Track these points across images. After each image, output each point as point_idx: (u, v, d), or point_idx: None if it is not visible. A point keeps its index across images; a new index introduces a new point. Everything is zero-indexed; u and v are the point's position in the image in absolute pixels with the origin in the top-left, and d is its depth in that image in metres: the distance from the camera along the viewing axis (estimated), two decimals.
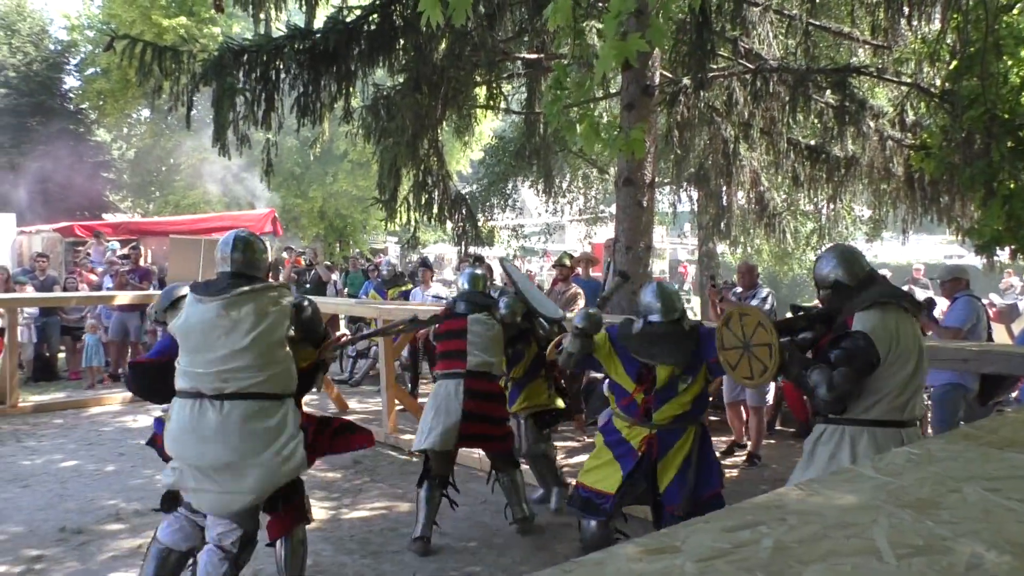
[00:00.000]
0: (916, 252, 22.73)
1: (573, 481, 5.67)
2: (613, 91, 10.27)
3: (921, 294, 8.29)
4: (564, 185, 16.73)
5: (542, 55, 9.60)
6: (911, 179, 9.50)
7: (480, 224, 11.86)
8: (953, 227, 9.79)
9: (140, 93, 18.36)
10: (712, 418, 7.15)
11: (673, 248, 29.79)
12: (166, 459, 3.55)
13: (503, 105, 11.38)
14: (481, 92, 10.69)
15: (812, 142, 10.27)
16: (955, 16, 7.10)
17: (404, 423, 7.63)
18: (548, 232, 21.54)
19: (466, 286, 5.29)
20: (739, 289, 7.29)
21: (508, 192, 16.07)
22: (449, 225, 10.41)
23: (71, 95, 26.54)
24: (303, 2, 8.56)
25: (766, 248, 14.55)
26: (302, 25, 8.61)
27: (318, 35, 8.15)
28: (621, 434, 3.89)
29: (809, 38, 9.09)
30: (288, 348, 3.52)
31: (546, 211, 18.36)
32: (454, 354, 4.97)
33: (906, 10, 8.14)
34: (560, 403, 5.65)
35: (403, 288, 9.66)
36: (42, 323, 10.39)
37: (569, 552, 4.63)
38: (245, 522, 3.41)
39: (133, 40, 8.26)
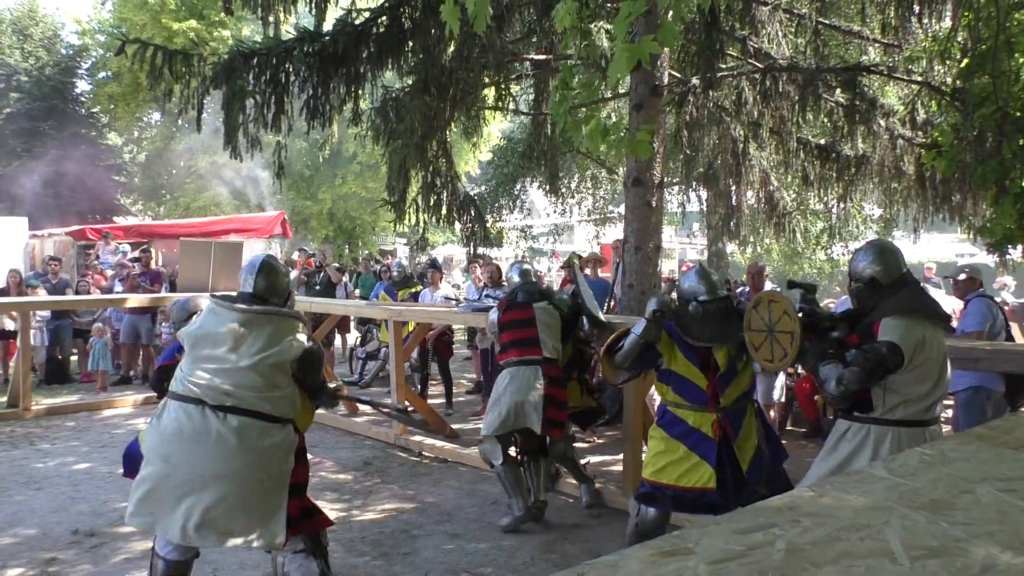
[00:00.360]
0: (928, 251, 22.64)
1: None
2: (622, 91, 10.26)
3: (933, 293, 8.23)
4: (572, 185, 16.73)
5: (550, 56, 9.60)
6: (922, 178, 9.44)
7: (489, 225, 11.87)
8: (965, 226, 9.72)
9: (151, 97, 18.45)
10: None
11: (682, 248, 29.70)
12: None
13: (511, 106, 11.38)
14: (489, 93, 10.69)
15: (822, 141, 10.22)
16: (966, 14, 7.05)
17: None
18: (557, 233, 21.54)
19: (518, 279, 5.46)
20: (747, 289, 7.27)
21: (517, 193, 16.07)
22: (458, 226, 10.41)
23: (83, 99, 26.72)
24: (312, 5, 8.57)
25: (776, 248, 14.50)
26: (311, 28, 8.62)
27: (327, 38, 8.17)
28: (687, 423, 3.94)
29: (819, 37, 9.05)
30: (292, 380, 3.47)
31: (555, 212, 18.35)
32: (527, 342, 5.15)
33: (916, 8, 8.09)
34: (594, 403, 5.80)
35: (413, 289, 9.67)
36: (54, 326, 10.45)
37: (579, 553, 4.63)
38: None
39: (144, 44, 8.29)
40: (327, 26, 8.81)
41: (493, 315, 5.46)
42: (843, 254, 14.01)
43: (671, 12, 3.65)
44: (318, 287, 11.73)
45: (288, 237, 18.69)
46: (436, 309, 8.03)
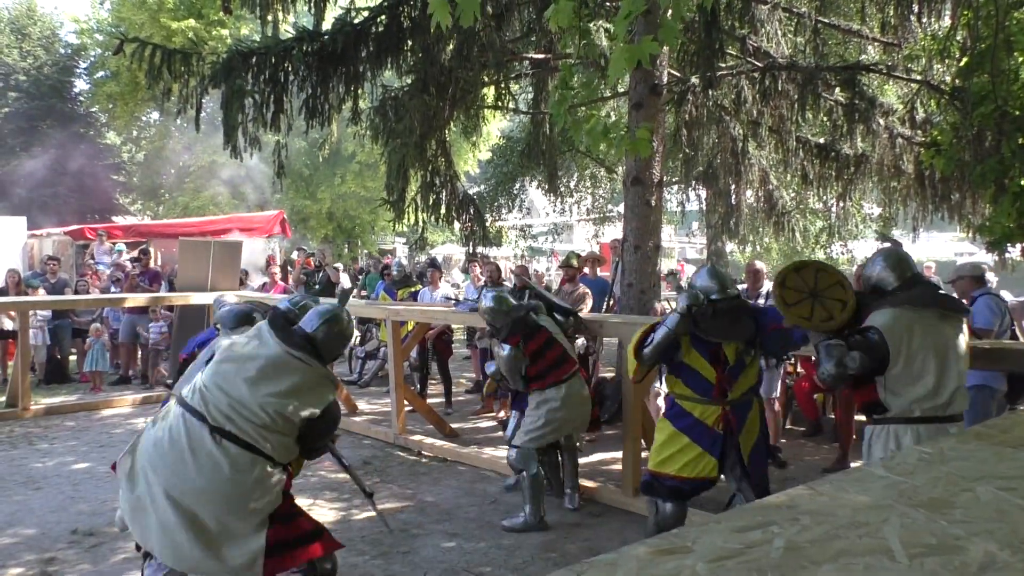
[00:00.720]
0: (927, 250, 22.68)
1: (587, 482, 5.70)
2: (621, 90, 10.26)
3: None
4: (572, 185, 16.72)
5: (549, 55, 9.59)
6: (921, 176, 9.45)
7: (488, 224, 11.86)
8: (964, 224, 9.73)
9: (149, 96, 18.44)
10: None
11: (681, 247, 29.71)
12: None
13: (511, 105, 11.37)
14: (489, 92, 10.69)
15: (821, 140, 10.23)
16: (965, 13, 7.05)
17: (413, 424, 7.65)
18: (556, 232, 21.54)
19: (496, 305, 5.30)
20: (746, 287, 7.27)
21: (516, 192, 16.05)
22: (457, 226, 10.41)
23: (81, 98, 26.74)
24: (311, 4, 8.56)
25: (775, 247, 14.50)
26: (310, 27, 8.62)
27: (326, 37, 8.16)
28: (694, 415, 4.08)
29: (818, 36, 9.05)
30: (295, 433, 3.34)
31: (554, 211, 18.34)
32: (560, 360, 5.20)
33: (916, 7, 8.10)
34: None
35: (413, 289, 9.67)
36: (53, 326, 10.45)
37: (579, 552, 4.63)
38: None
39: (143, 43, 8.27)
40: (326, 25, 8.80)
41: (505, 351, 5.19)
42: (842, 253, 14.02)
43: (671, 12, 3.65)
44: (317, 286, 11.71)
45: (287, 236, 18.69)
46: (435, 308, 8.03)
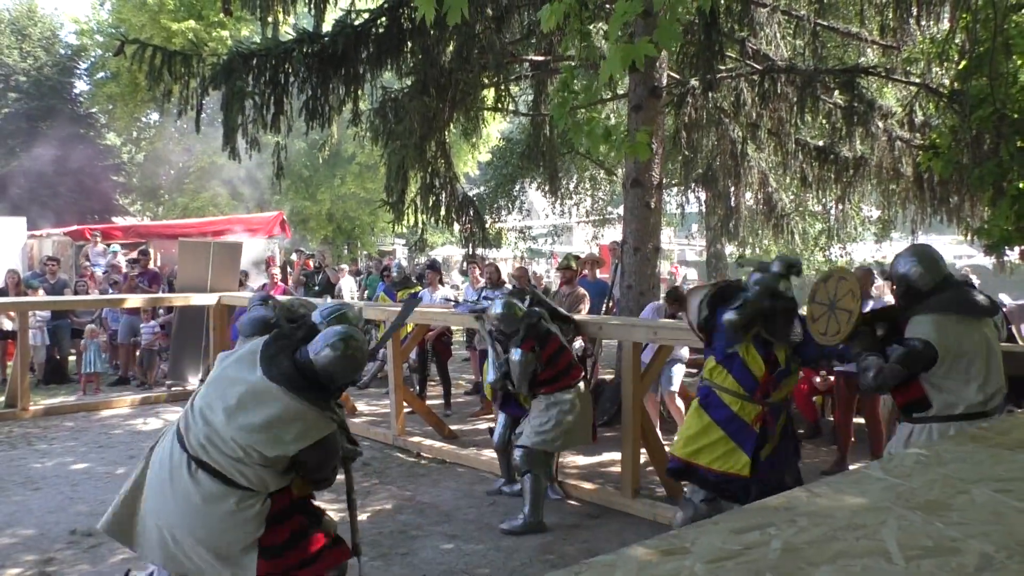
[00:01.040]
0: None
1: (585, 484, 5.70)
2: (621, 92, 10.27)
3: None
4: (571, 186, 16.72)
5: (549, 57, 9.60)
6: (920, 179, 9.46)
7: (488, 226, 11.86)
8: (962, 227, 9.74)
9: (149, 97, 18.40)
10: None
11: (681, 249, 29.71)
12: None
13: (510, 107, 11.38)
14: (489, 94, 10.69)
15: (820, 143, 10.24)
16: (964, 16, 7.07)
17: (412, 425, 7.65)
18: (556, 234, 21.53)
19: (505, 311, 5.29)
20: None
21: (515, 194, 16.05)
22: (457, 227, 10.41)
23: (81, 99, 26.74)
24: (311, 6, 8.57)
25: (774, 249, 14.47)
26: (310, 29, 8.63)
27: (326, 39, 8.17)
28: (732, 410, 4.05)
29: (817, 38, 9.06)
30: (282, 465, 3.05)
31: (553, 213, 18.34)
32: (570, 365, 5.35)
33: (915, 10, 8.10)
34: None
35: (412, 290, 9.67)
36: (53, 326, 10.45)
37: (577, 554, 4.63)
38: None
39: (143, 45, 8.28)
40: (326, 27, 8.81)
41: (516, 356, 5.16)
42: (841, 255, 14.03)
43: (668, 14, 3.66)
44: (317, 287, 11.72)
45: (287, 237, 18.68)
46: (434, 310, 8.03)
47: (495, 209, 15.63)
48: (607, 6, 7.89)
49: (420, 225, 10.21)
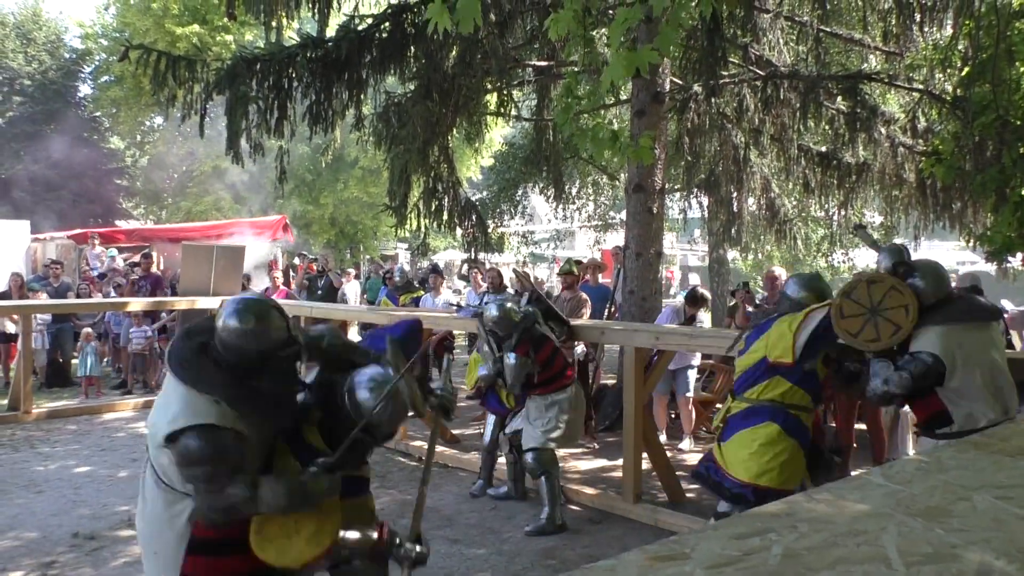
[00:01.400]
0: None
1: (587, 489, 5.70)
2: (624, 98, 10.28)
3: None
4: (574, 191, 16.72)
5: (552, 62, 9.62)
6: (923, 185, 9.46)
7: (490, 230, 11.87)
8: (965, 233, 9.74)
9: (153, 101, 18.38)
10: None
11: (683, 255, 29.67)
12: None
13: (513, 112, 11.39)
14: (491, 99, 10.71)
15: (823, 148, 10.25)
16: (967, 22, 7.08)
17: (414, 429, 7.64)
18: (558, 238, 21.53)
19: (510, 316, 5.39)
20: (766, 294, 7.33)
21: (518, 198, 16.05)
22: (459, 231, 10.42)
23: (85, 103, 26.81)
24: (315, 11, 8.60)
25: (776, 255, 14.49)
26: (314, 34, 8.65)
27: (330, 43, 8.20)
28: (807, 426, 3.92)
29: (820, 44, 9.07)
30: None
31: (556, 217, 18.34)
32: (565, 366, 5.49)
33: (918, 16, 8.12)
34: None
35: (415, 294, 9.68)
36: (55, 329, 10.46)
37: (578, 559, 4.63)
38: None
39: (147, 50, 8.31)
40: (330, 32, 8.84)
41: (512, 360, 5.22)
42: (843, 261, 14.02)
43: (668, 20, 3.67)
44: (320, 291, 11.72)
45: (291, 241, 18.70)
46: (437, 314, 8.04)
47: (497, 213, 15.64)
48: (610, 12, 7.91)
49: (423, 229, 10.23)
